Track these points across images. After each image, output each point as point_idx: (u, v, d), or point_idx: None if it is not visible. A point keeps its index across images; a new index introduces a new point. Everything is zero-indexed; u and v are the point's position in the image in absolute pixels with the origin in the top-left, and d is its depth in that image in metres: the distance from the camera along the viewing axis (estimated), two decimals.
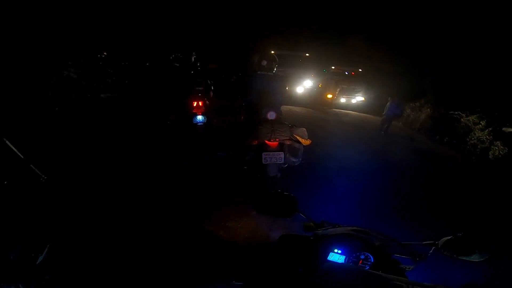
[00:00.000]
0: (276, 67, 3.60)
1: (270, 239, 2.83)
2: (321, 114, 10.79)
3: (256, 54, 3.69)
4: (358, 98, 12.53)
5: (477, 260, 1.04)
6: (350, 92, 12.38)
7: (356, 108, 12.53)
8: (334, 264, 0.92)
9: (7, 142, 2.12)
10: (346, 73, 13.16)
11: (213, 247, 2.71)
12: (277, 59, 3.59)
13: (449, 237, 1.07)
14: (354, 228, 1.23)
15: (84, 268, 2.27)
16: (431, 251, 1.12)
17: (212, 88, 4.77)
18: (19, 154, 2.21)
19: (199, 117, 4.69)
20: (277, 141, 3.06)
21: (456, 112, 8.95)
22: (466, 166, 7.09)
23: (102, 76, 9.58)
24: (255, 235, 2.88)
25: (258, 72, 3.49)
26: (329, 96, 12.49)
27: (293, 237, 1.24)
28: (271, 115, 3.14)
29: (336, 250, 1.12)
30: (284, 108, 9.91)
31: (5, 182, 2.03)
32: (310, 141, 3.25)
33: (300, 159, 3.29)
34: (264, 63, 3.47)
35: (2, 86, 5.42)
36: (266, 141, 3.05)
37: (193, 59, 4.46)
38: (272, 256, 1.31)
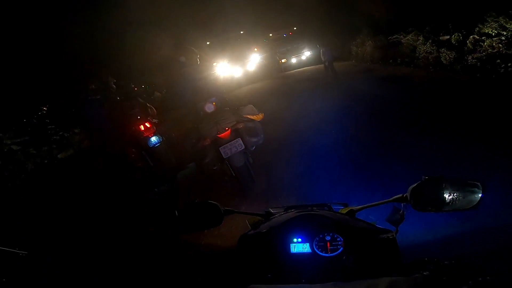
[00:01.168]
0: (199, 58, 3.36)
1: None
2: (279, 81, 10.74)
3: (174, 53, 3.41)
4: (306, 54, 12.53)
5: (465, 209, 0.85)
6: (296, 51, 12.33)
7: (308, 62, 12.57)
8: None
9: None
10: (285, 35, 13.16)
11: (215, 260, 2.55)
12: (196, 51, 3.33)
13: (415, 185, 0.87)
14: (307, 205, 1.05)
15: None
16: (401, 210, 0.92)
17: (149, 105, 4.42)
18: None
19: (153, 139, 4.35)
20: (227, 130, 2.86)
21: (394, 36, 9.28)
22: (428, 76, 7.26)
23: (46, 135, 8.88)
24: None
25: (182, 70, 3.25)
26: (283, 60, 12.53)
27: (252, 236, 1.03)
28: (209, 108, 2.92)
29: (295, 240, 0.93)
30: (244, 88, 9.87)
31: None
32: (262, 114, 3.07)
33: (262, 136, 3.11)
34: (183, 59, 3.22)
35: None
36: (217, 135, 2.85)
37: (113, 85, 4.08)
38: (234, 261, 1.12)
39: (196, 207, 1.07)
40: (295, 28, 13.24)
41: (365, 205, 1.03)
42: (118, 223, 3.52)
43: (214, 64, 9.80)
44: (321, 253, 0.88)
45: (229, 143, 2.85)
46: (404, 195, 0.89)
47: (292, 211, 1.06)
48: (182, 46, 3.29)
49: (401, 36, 9.04)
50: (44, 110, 11.22)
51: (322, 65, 10.86)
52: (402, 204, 0.91)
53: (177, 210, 1.05)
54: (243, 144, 2.89)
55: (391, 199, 0.94)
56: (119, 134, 4.23)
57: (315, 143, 4.14)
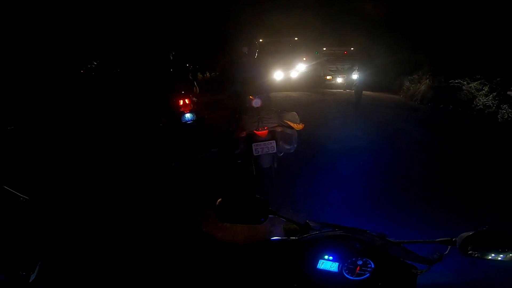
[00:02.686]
0: (257, 53, 3.39)
1: (272, 235, 2.66)
2: (318, 96, 10.57)
3: (236, 42, 3.47)
4: (355, 76, 12.23)
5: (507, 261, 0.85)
6: (346, 71, 12.06)
7: (354, 86, 12.25)
8: None
9: None
10: (338, 52, 12.89)
11: (212, 250, 2.56)
12: (257, 45, 3.37)
13: (470, 233, 0.87)
14: (347, 228, 1.02)
15: (80, 280, 2.17)
16: (447, 252, 0.91)
17: (196, 84, 4.55)
18: None
19: (188, 115, 4.49)
20: (266, 129, 2.83)
21: (457, 81, 8.78)
22: (476, 131, 6.81)
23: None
24: (255, 233, 2.69)
25: (239, 60, 3.29)
26: (328, 77, 12.35)
27: (279, 243, 1.04)
28: (256, 103, 2.91)
29: (326, 257, 0.92)
30: (281, 93, 9.85)
31: None
32: (303, 124, 3.02)
33: (295, 145, 3.07)
34: (245, 49, 3.26)
35: None
36: (255, 131, 2.83)
37: (171, 57, 4.24)
38: (256, 267, 1.11)
39: (241, 199, 1.04)
40: (352, 48, 12.89)
41: (404, 241, 1.01)
42: (125, 189, 3.57)
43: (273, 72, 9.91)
44: (347, 275, 0.89)
45: (263, 142, 2.83)
46: (453, 239, 0.90)
47: (331, 230, 1.04)
48: (247, 37, 3.35)
49: (465, 82, 8.45)
50: (94, 64, 12.01)
51: (367, 92, 10.63)
52: (449, 247, 0.91)
53: (221, 198, 1.02)
54: (275, 147, 2.86)
55: (437, 240, 0.93)
56: (159, 101, 4.40)
57: (339, 168, 4.04)
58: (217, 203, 1.01)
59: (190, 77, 4.65)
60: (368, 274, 0.86)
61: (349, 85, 9.97)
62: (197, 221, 2.90)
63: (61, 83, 8.69)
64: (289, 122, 2.93)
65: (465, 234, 0.88)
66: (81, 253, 2.40)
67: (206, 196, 3.32)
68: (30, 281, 1.86)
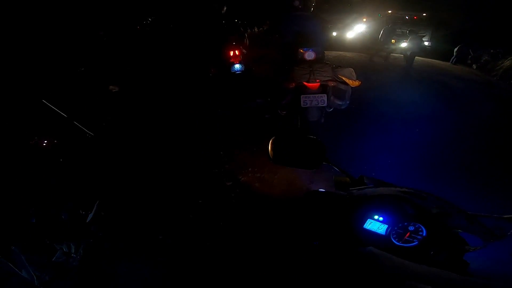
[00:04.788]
0: (314, 5, 3.14)
1: None
2: (376, 59, 9.67)
3: None
4: (413, 42, 10.92)
5: None
6: (412, 36, 10.74)
7: (420, 52, 10.94)
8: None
9: (47, 103, 2.20)
10: (407, 17, 11.44)
11: (248, 200, 2.62)
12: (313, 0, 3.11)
13: None
14: (404, 189, 0.89)
15: (133, 224, 2.26)
16: None
17: (246, 36, 4.50)
18: (62, 113, 2.30)
19: (237, 66, 4.56)
20: (317, 82, 2.69)
21: None
22: None
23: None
24: (292, 188, 2.69)
25: (292, 13, 3.10)
26: (392, 41, 11.18)
27: (323, 195, 0.96)
28: (309, 55, 2.75)
29: (376, 217, 0.84)
30: (333, 53, 9.18)
31: (55, 141, 2.11)
32: (360, 82, 2.81)
33: (348, 102, 2.90)
34: (297, 3, 3.05)
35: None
36: (305, 83, 2.72)
37: (223, 10, 4.21)
38: (294, 219, 1.07)
39: (297, 140, 0.96)
40: (424, 14, 11.31)
41: (467, 212, 0.89)
42: (174, 133, 3.74)
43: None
44: (393, 240, 0.81)
45: (313, 95, 2.72)
46: None
47: (392, 186, 0.94)
48: None
49: None
50: (149, 20, 12.39)
51: (434, 60, 9.52)
52: None
53: (274, 136, 0.95)
54: (326, 101, 2.74)
55: (505, 216, 0.80)
56: (210, 52, 4.49)
57: (391, 133, 3.68)
58: (270, 142, 0.94)
59: (241, 29, 4.61)
60: (417, 242, 0.79)
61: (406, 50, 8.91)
62: (235, 170, 2.97)
63: (120, 38, 9.20)
64: (344, 78, 2.74)
65: None
66: (133, 193, 2.51)
67: (246, 146, 3.36)
68: (88, 220, 1.96)
